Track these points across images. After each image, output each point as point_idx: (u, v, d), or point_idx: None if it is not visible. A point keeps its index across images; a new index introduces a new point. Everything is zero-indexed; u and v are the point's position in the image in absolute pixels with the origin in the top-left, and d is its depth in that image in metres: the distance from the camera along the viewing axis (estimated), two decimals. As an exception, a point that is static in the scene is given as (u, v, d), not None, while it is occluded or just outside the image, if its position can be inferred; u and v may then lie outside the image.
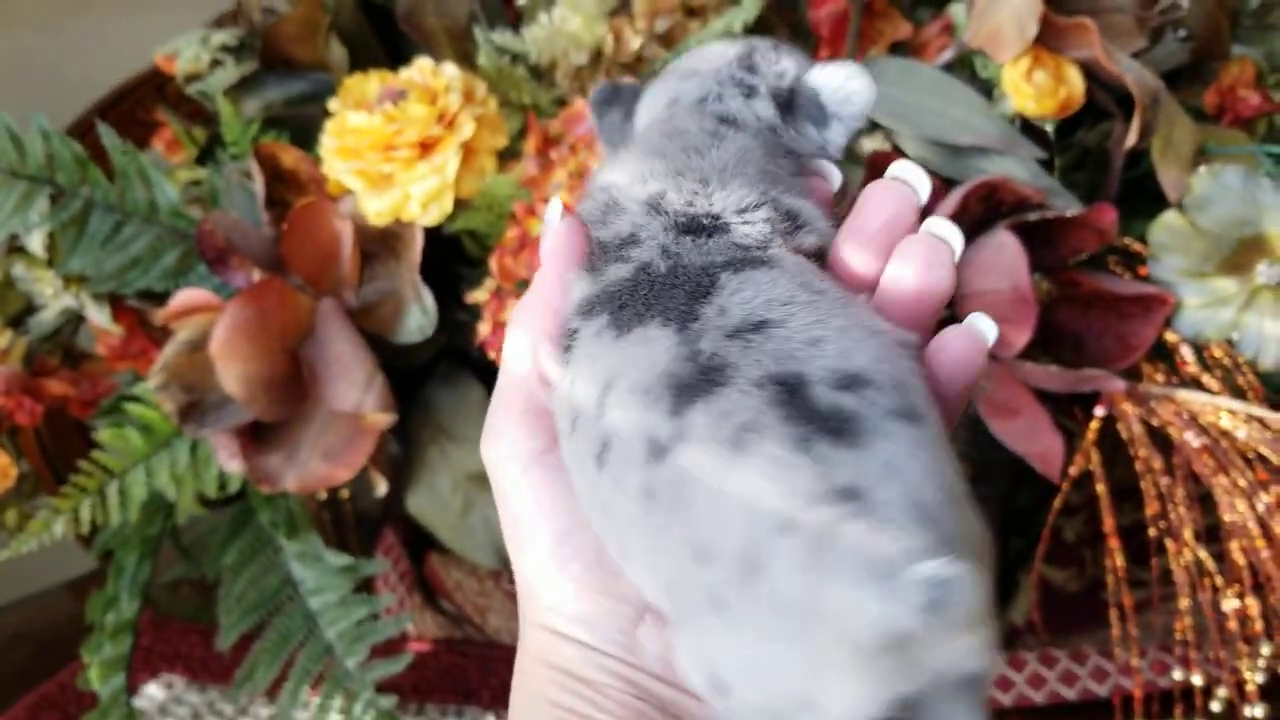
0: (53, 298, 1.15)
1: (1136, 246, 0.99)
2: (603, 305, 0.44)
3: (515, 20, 1.06)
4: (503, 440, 0.47)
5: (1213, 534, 1.04)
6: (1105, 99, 0.99)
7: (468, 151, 0.94)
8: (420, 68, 0.96)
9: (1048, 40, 0.93)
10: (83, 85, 1.61)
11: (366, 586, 1.09)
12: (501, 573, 1.16)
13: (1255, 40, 1.18)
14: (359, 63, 1.08)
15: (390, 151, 0.92)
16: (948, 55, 1.02)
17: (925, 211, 0.96)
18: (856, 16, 1.02)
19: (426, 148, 0.93)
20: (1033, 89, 0.93)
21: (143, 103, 1.63)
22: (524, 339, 0.47)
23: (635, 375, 0.40)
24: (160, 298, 1.10)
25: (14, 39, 1.74)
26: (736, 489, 0.34)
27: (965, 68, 1.09)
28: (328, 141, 0.95)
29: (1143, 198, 1.04)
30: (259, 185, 1.00)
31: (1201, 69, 1.15)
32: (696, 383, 0.38)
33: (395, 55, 1.11)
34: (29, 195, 1.05)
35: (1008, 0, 0.91)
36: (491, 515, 1.04)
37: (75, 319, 1.17)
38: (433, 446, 1.06)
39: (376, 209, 0.94)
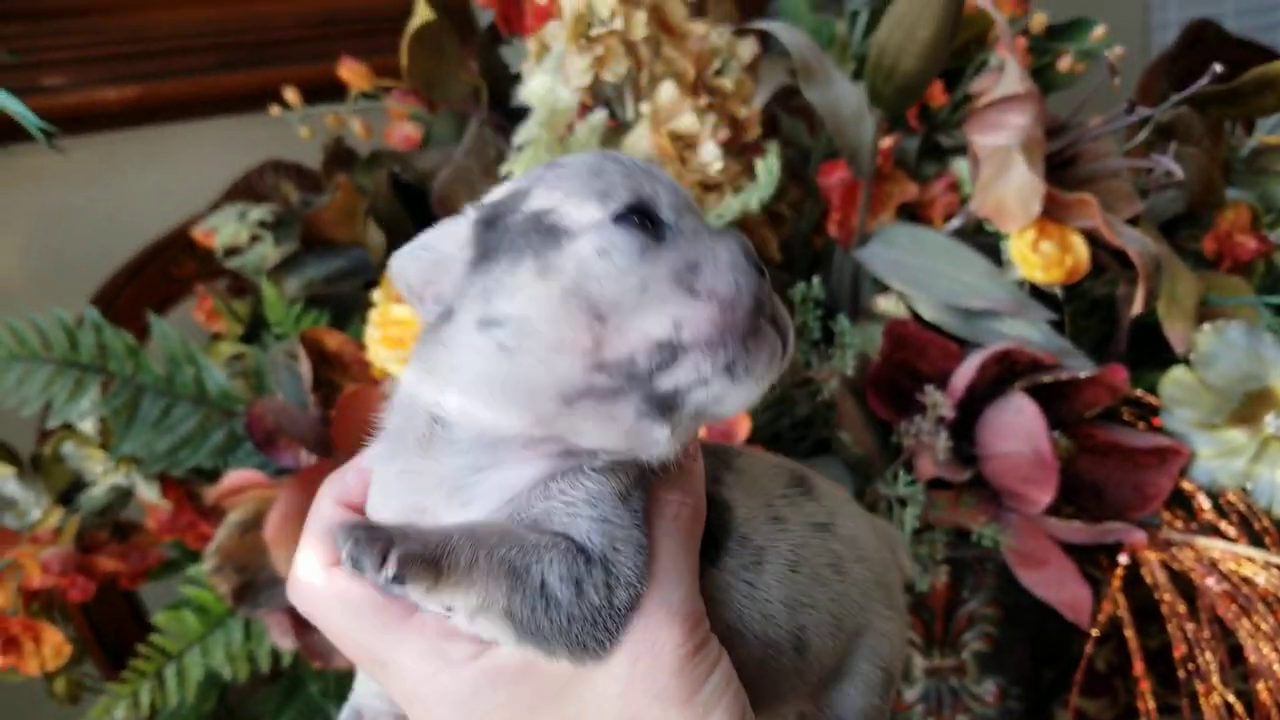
0: (103, 475, 1.19)
1: (1149, 398, 1.04)
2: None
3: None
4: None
5: (1236, 654, 1.07)
6: (1108, 260, 1.04)
7: (506, 336, 0.98)
8: (458, 258, 1.01)
9: (1052, 212, 0.98)
10: (115, 237, 1.67)
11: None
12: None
13: (1249, 184, 1.24)
14: (396, 243, 1.13)
15: (433, 340, 0.96)
16: (956, 223, 1.08)
17: (944, 374, 1.00)
18: (867, 187, 1.08)
19: (467, 335, 0.97)
20: (1040, 259, 0.98)
21: (175, 259, 1.68)
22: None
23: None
24: (206, 472, 1.15)
25: (47, 195, 1.80)
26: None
27: (973, 225, 1.14)
28: (372, 331, 1.00)
29: (1151, 346, 1.09)
30: (305, 370, 1.05)
31: (1198, 216, 1.20)
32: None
33: (429, 236, 1.16)
34: (81, 383, 1.10)
35: (1011, 177, 0.97)
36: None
37: (125, 494, 1.21)
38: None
39: (420, 394, 0.98)
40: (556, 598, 0.52)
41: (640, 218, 0.52)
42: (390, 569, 0.50)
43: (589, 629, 0.53)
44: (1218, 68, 0.97)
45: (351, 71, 1.27)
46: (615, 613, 0.53)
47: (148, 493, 1.16)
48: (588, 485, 0.54)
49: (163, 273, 1.69)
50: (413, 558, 0.50)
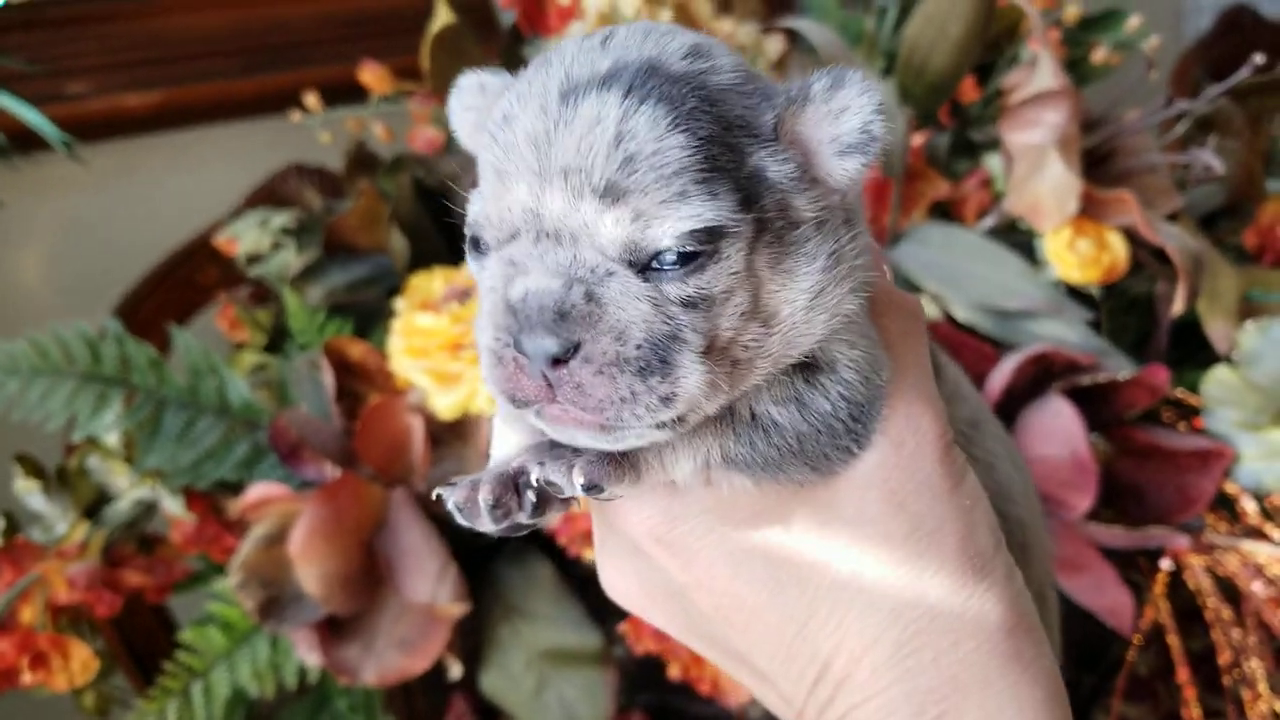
0: (128, 489, 1.18)
1: (1190, 399, 1.01)
2: None
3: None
4: None
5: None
6: (1147, 257, 1.01)
7: (531, 345, 0.96)
8: (481, 265, 0.99)
9: (1088, 210, 0.95)
10: (139, 242, 1.66)
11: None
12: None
13: (1290, 175, 1.21)
14: (419, 249, 1.12)
15: (457, 350, 0.95)
16: (990, 221, 1.05)
17: (980, 378, 0.97)
18: (899, 186, 1.05)
19: (491, 344, 0.95)
20: (1076, 258, 0.95)
21: (199, 266, 1.68)
22: None
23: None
24: (231, 485, 1.14)
25: (72, 202, 1.80)
26: None
27: (1007, 223, 1.11)
28: (396, 341, 0.98)
29: (1192, 345, 1.06)
30: (329, 381, 1.03)
31: (1239, 208, 1.17)
32: None
33: (455, 241, 1.15)
34: (105, 397, 1.09)
35: (1046, 174, 0.94)
36: (566, 692, 1.05)
37: (150, 508, 1.20)
38: (504, 625, 1.07)
39: (446, 404, 0.97)
40: (774, 421, 0.50)
41: (475, 244, 0.50)
42: (580, 479, 0.48)
43: (829, 439, 0.50)
44: (1258, 59, 0.94)
45: (373, 75, 1.25)
46: (862, 408, 0.51)
47: (172, 506, 1.15)
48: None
49: (187, 280, 1.68)
50: (598, 460, 0.49)
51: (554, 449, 0.50)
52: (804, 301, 0.48)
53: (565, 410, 0.46)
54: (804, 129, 0.47)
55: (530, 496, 0.51)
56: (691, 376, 0.46)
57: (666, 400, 0.46)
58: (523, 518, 0.51)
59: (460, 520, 0.52)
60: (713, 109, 0.45)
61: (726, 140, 0.45)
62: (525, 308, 0.45)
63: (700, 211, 0.44)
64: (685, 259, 0.45)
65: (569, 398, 0.46)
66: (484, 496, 0.51)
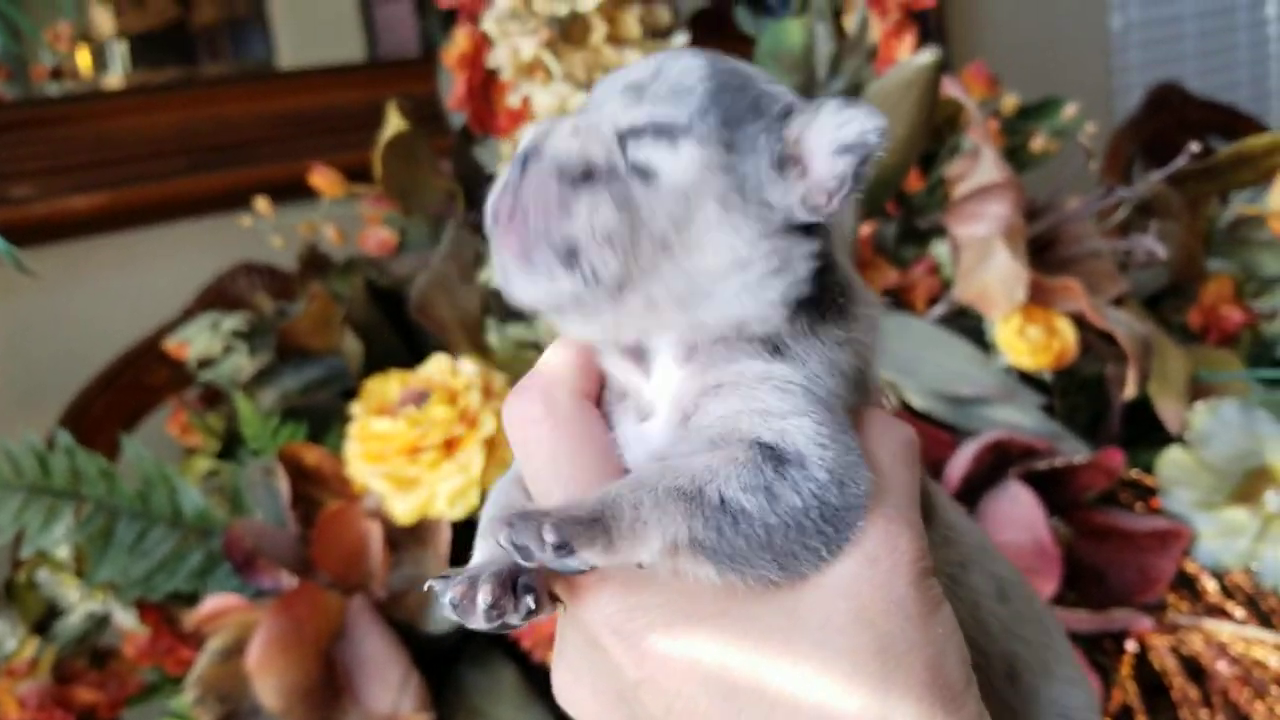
0: (79, 602, 1.16)
1: (1146, 480, 1.02)
2: None
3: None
4: None
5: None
6: (1096, 342, 1.02)
7: (491, 446, 0.96)
8: (439, 367, 0.99)
9: (1036, 297, 0.97)
10: (88, 344, 1.65)
11: None
12: None
13: (1230, 253, 1.24)
14: (373, 351, 1.11)
15: (415, 454, 0.94)
16: (940, 309, 1.06)
17: (938, 465, 0.98)
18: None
19: (450, 447, 0.95)
20: (1027, 345, 0.97)
21: (148, 367, 1.66)
22: None
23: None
24: (185, 596, 1.11)
25: (19, 304, 1.78)
26: None
27: (957, 308, 1.13)
28: (352, 446, 0.97)
29: (1144, 424, 1.08)
30: (284, 488, 1.02)
31: (1182, 288, 1.19)
32: None
33: (409, 342, 1.14)
34: (55, 510, 1.07)
35: (993, 264, 0.96)
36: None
37: (101, 621, 1.17)
38: (469, 731, 1.05)
39: (404, 509, 0.96)
40: (743, 508, 0.49)
41: None
42: (550, 537, 0.47)
43: (798, 537, 0.49)
44: (1194, 147, 0.96)
45: (323, 179, 1.26)
46: (836, 511, 0.50)
47: (125, 619, 1.12)
48: (773, 382, 0.51)
49: (136, 381, 1.66)
50: (569, 521, 0.48)
51: (522, 518, 0.49)
52: (726, 258, 0.50)
53: (505, 231, 0.50)
54: (809, 136, 0.50)
55: (528, 601, 0.50)
56: (604, 211, 0.48)
57: (570, 213, 0.49)
58: (516, 619, 0.51)
59: (451, 615, 0.51)
60: (741, 81, 0.52)
61: (739, 105, 0.51)
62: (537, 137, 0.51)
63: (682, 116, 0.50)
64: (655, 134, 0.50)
65: (513, 191, 0.49)
66: (483, 598, 0.50)
